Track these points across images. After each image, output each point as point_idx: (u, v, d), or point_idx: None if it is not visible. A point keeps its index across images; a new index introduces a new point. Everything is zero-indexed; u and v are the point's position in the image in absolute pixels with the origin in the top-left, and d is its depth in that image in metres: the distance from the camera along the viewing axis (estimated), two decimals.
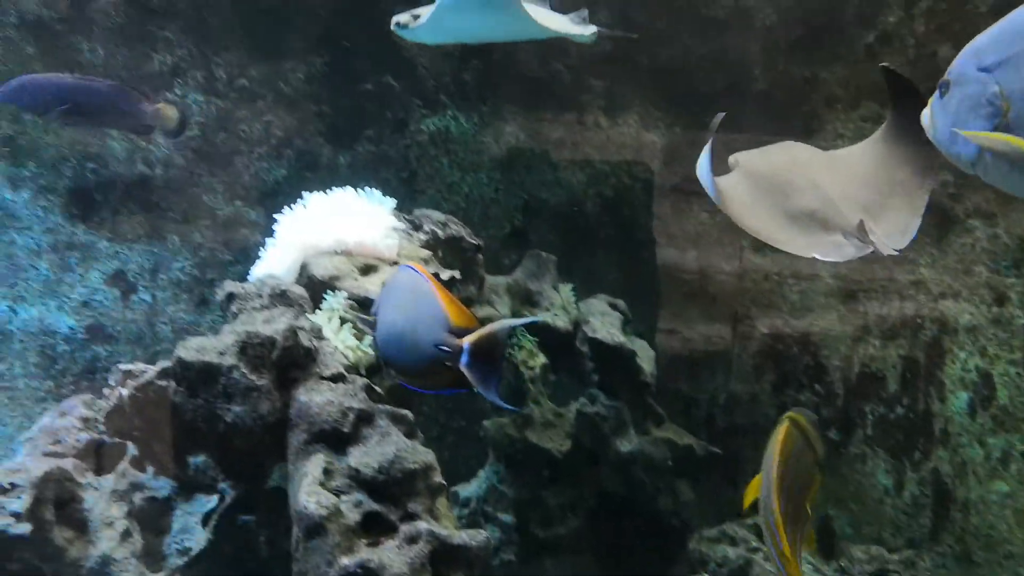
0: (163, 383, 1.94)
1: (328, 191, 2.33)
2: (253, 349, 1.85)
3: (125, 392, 1.99)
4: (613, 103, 3.12)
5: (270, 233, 2.28)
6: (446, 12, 2.31)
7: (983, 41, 1.27)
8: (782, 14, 2.91)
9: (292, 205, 2.29)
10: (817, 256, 1.80)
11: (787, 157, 2.03)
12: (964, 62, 1.28)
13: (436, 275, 2.02)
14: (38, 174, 2.85)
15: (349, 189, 2.32)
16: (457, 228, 2.45)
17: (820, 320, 2.97)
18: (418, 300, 1.63)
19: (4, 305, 2.82)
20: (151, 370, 2.00)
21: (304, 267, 2.14)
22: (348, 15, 2.52)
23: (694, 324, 3.10)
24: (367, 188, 2.34)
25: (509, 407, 1.73)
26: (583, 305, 2.85)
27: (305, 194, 2.28)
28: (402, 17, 2.43)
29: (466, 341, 1.56)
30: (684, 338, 3.10)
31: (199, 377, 1.84)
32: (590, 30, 2.58)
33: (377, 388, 1.95)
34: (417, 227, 2.40)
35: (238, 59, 3.00)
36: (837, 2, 2.85)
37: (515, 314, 2.72)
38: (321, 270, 2.10)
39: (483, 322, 1.64)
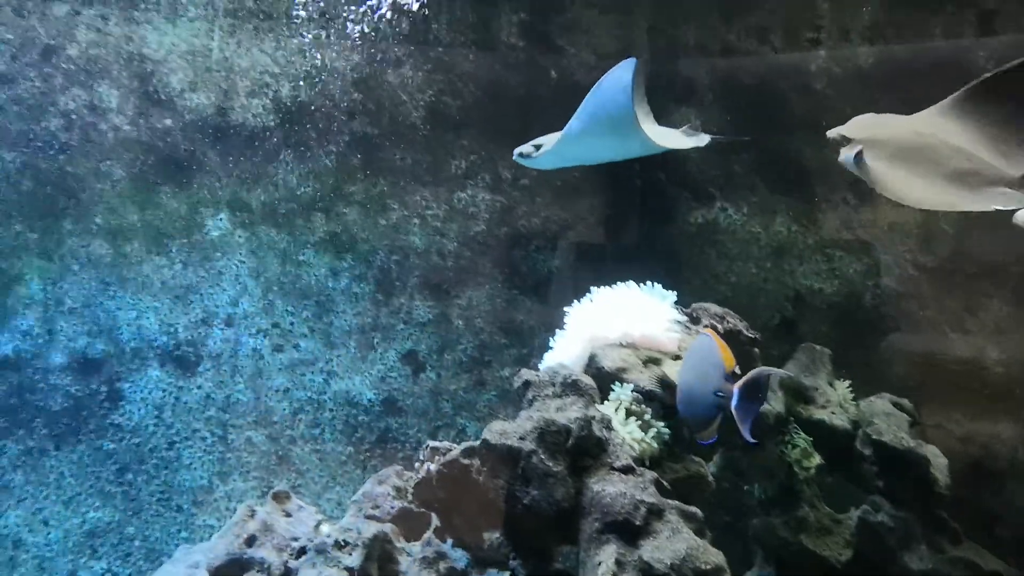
0: (466, 461, 2.12)
1: (600, 283, 2.45)
2: (551, 436, 1.97)
3: (432, 467, 2.21)
4: None
5: (543, 319, 2.44)
6: (571, 140, 2.43)
7: None
8: None
9: (566, 294, 2.45)
10: (999, 207, 1.88)
11: (903, 126, 2.05)
12: None
13: None
14: (354, 265, 3.33)
15: (632, 283, 2.43)
16: (734, 322, 2.46)
17: None
18: (705, 357, 1.94)
19: (321, 378, 3.27)
20: (456, 448, 2.20)
21: (592, 358, 2.26)
22: None
23: (996, 428, 2.78)
24: (649, 283, 2.44)
25: (753, 441, 1.91)
26: (863, 404, 2.69)
27: (592, 288, 2.42)
28: (524, 148, 2.63)
29: (736, 386, 1.86)
30: (983, 444, 2.79)
31: (501, 459, 2.00)
32: (704, 140, 2.67)
33: (664, 482, 1.99)
34: (695, 320, 2.44)
35: None
36: None
37: (789, 411, 2.65)
38: (609, 362, 2.21)
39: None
